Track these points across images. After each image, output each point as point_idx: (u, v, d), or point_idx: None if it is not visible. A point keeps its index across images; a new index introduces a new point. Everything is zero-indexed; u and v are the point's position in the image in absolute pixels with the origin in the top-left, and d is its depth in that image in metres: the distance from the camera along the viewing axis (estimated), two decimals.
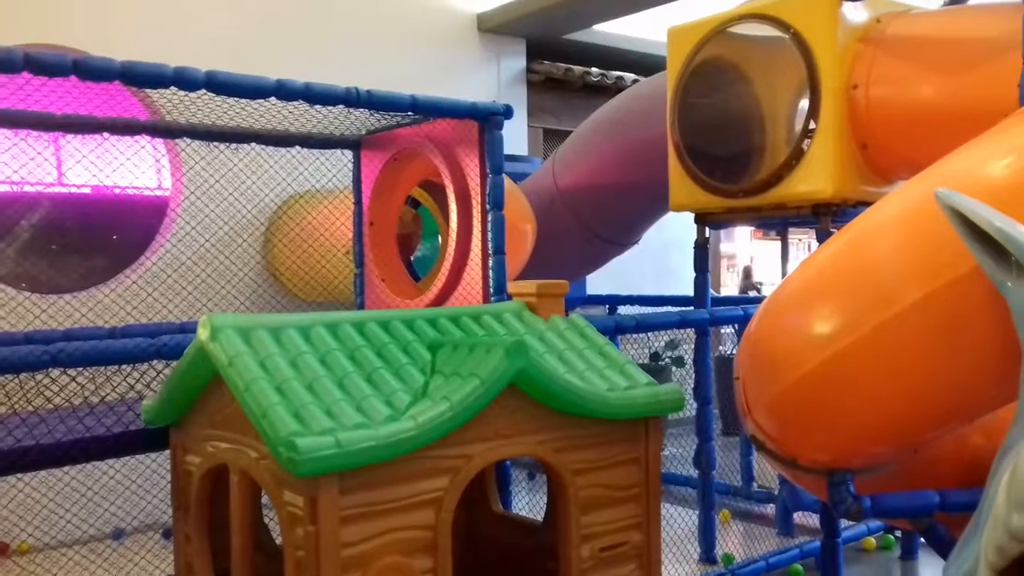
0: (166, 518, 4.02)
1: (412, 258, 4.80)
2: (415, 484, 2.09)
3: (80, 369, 2.79)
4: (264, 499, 2.35)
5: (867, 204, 3.36)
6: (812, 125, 3.53)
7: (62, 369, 2.70)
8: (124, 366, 2.80)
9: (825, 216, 3.63)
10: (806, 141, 3.56)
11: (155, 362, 2.75)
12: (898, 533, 4.53)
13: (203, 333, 2.21)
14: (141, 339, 2.66)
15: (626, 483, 2.48)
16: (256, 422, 2.00)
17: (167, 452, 2.63)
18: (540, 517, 2.78)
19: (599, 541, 2.42)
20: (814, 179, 3.56)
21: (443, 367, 2.30)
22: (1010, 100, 2.63)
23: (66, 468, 3.23)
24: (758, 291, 10.43)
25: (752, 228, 11.03)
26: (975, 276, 2.04)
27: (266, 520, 2.62)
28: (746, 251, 13.10)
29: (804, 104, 3.58)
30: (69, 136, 3.88)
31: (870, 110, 3.45)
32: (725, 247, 11.64)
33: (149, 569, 3.87)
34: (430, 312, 2.63)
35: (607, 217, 5.37)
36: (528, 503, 5.10)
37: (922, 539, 3.64)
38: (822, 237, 3.60)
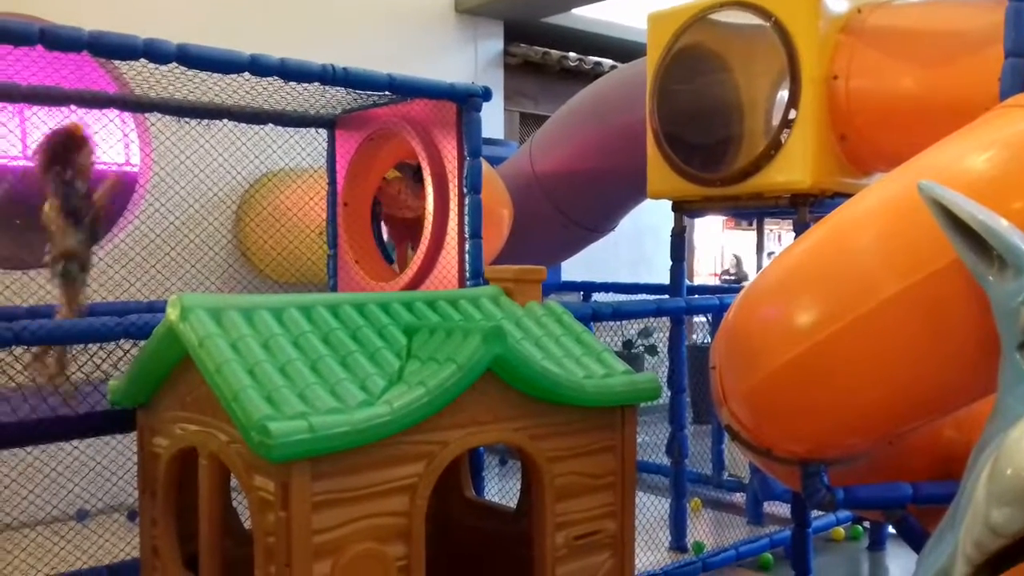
0: (132, 499, 3.94)
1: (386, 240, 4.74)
2: (389, 470, 2.05)
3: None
4: (233, 483, 2.30)
5: (845, 195, 3.37)
6: (792, 115, 3.52)
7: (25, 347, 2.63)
8: (90, 345, 2.73)
9: (803, 207, 3.63)
10: (785, 131, 3.55)
11: (122, 341, 2.68)
12: (867, 524, 4.56)
13: (173, 313, 2.15)
14: (108, 317, 2.60)
15: (601, 471, 2.47)
16: (227, 405, 1.96)
17: (134, 432, 2.57)
18: (512, 503, 2.76)
19: (574, 529, 2.40)
20: (793, 169, 3.55)
21: (419, 352, 2.27)
22: (990, 94, 2.63)
23: (29, 448, 3.17)
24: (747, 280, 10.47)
25: (724, 218, 11.07)
26: (955, 269, 2.04)
27: (235, 504, 2.57)
28: (716, 241, 13.14)
29: (784, 94, 3.57)
30: (35, 108, 3.77)
31: (850, 101, 3.44)
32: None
33: (114, 552, 3.80)
34: (406, 295, 2.60)
35: (584, 203, 5.35)
36: (500, 489, 5.09)
37: (891, 530, 3.68)
38: (800, 228, 3.60)
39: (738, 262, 11.41)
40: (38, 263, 3.52)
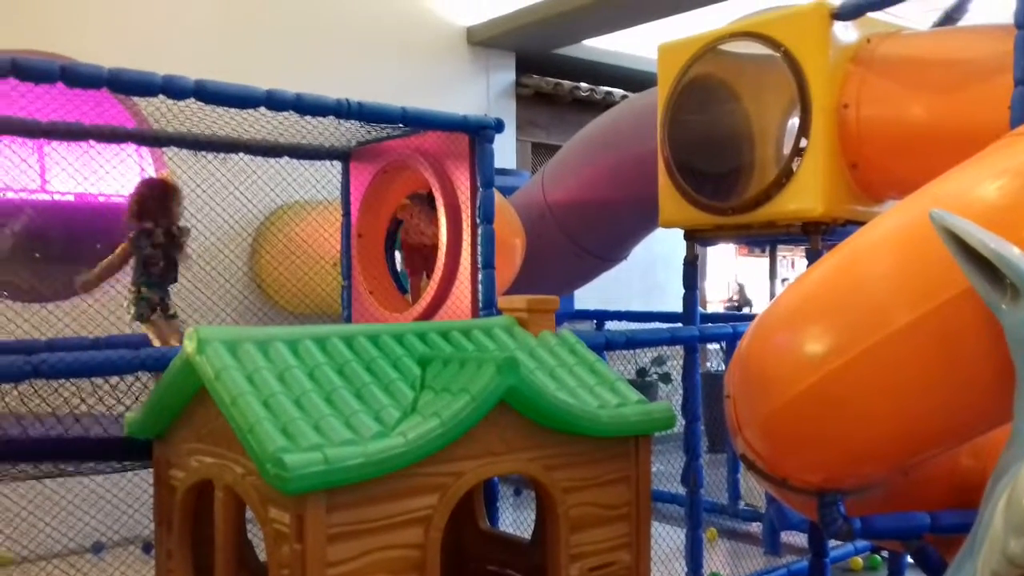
0: (147, 532, 3.95)
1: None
2: (404, 502, 2.06)
3: (63, 381, 2.74)
4: (249, 515, 2.31)
5: (857, 223, 3.38)
6: (803, 143, 3.53)
7: (45, 380, 2.65)
8: (109, 378, 2.76)
9: (815, 235, 3.63)
10: (796, 159, 3.56)
11: (140, 374, 2.71)
12: (885, 554, 4.51)
13: (189, 345, 2.17)
14: (125, 350, 2.62)
15: (616, 502, 2.46)
16: (242, 437, 1.97)
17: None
18: (527, 534, 2.75)
19: (588, 561, 2.39)
20: (804, 197, 3.56)
21: (433, 383, 2.28)
22: (1000, 122, 2.64)
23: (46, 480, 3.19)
24: (750, 307, 10.47)
25: (737, 245, 11.08)
26: (969, 297, 2.04)
27: (251, 537, 2.57)
28: (730, 267, 13.14)
29: (794, 122, 3.59)
30: (54, 143, 3.84)
31: (860, 129, 3.45)
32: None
33: None
34: (420, 326, 2.61)
35: (596, 232, 5.36)
36: (514, 519, 5.07)
37: (909, 559, 3.63)
38: (812, 256, 3.60)
39: (741, 289, 11.42)
40: (56, 296, 3.57)
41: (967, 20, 3.87)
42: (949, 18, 3.87)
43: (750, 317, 3.59)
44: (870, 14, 3.47)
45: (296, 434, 1.95)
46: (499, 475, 2.45)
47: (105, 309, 4.48)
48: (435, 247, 3.85)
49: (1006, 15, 2.77)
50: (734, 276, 11.86)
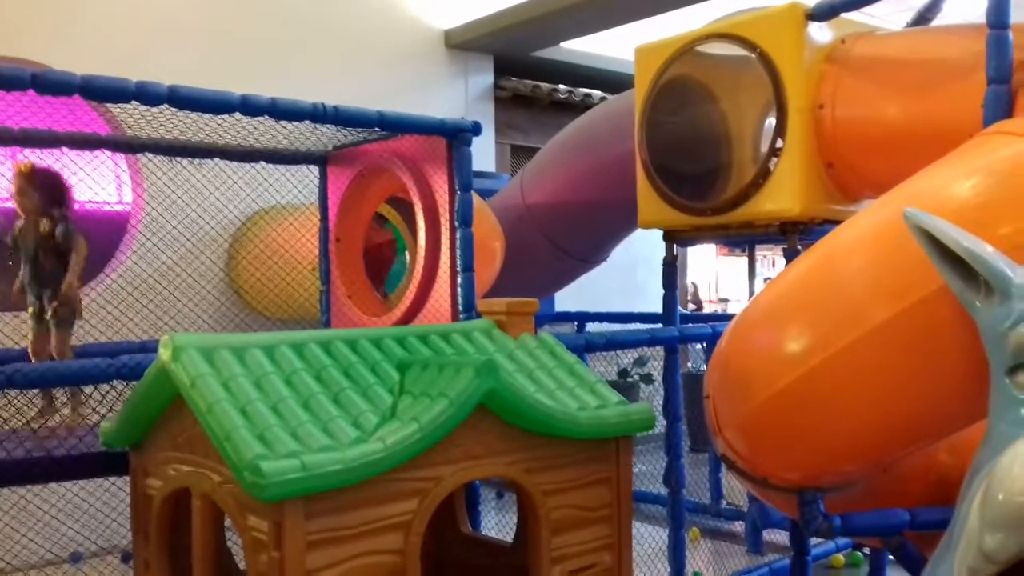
0: (126, 541, 3.91)
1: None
2: (383, 507, 2.05)
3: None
4: (228, 523, 2.29)
5: (834, 222, 3.39)
6: (779, 144, 3.55)
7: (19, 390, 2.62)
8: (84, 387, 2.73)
9: (792, 234, 3.65)
10: (773, 160, 3.57)
11: (115, 382, 2.68)
12: (866, 550, 4.54)
13: (164, 353, 2.15)
14: (100, 359, 2.59)
15: (597, 504, 2.46)
16: (219, 445, 1.95)
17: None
18: (510, 536, 2.75)
19: (570, 563, 2.39)
20: (781, 198, 3.57)
21: (412, 387, 2.27)
22: (974, 121, 2.66)
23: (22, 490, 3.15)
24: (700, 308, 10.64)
25: (716, 245, 11.15)
26: (944, 295, 2.05)
27: (229, 544, 2.55)
28: (710, 267, 13.21)
29: (771, 123, 3.60)
30: (26, 150, 3.79)
31: (836, 130, 3.47)
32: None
33: None
34: (398, 331, 2.60)
35: (576, 234, 5.37)
36: (497, 522, 5.06)
37: (890, 556, 3.65)
38: (790, 255, 3.62)
39: (695, 288, 11.57)
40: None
41: (940, 20, 3.90)
42: (923, 18, 3.90)
43: (729, 317, 3.60)
44: (844, 15, 3.49)
45: (273, 441, 1.93)
46: (479, 479, 2.44)
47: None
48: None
49: (979, 14, 2.79)
50: (688, 278, 12.01)
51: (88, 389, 2.83)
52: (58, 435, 2.88)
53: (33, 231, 3.18)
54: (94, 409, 2.89)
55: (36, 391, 3.08)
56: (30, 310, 3.21)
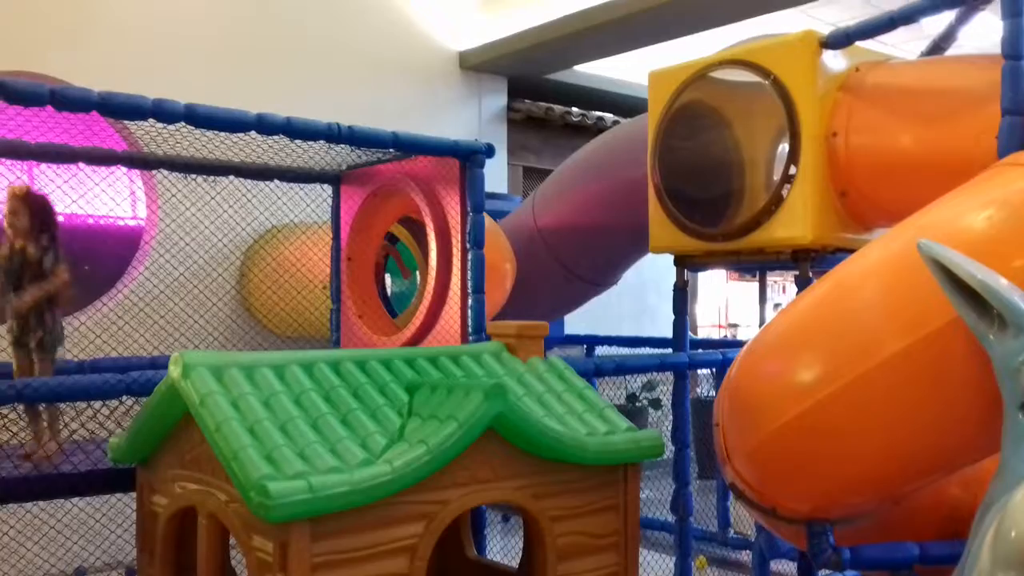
0: (130, 557, 3.90)
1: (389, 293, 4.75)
2: (389, 530, 2.04)
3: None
4: (233, 542, 2.28)
5: (846, 251, 3.38)
6: (792, 171, 3.54)
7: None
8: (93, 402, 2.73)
9: (804, 262, 3.63)
10: (786, 187, 3.56)
11: (124, 398, 2.68)
12: None
13: (175, 370, 2.16)
14: (110, 374, 2.60)
15: (604, 531, 2.44)
16: (226, 464, 1.95)
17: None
18: (515, 561, 2.72)
19: None
20: (794, 225, 3.56)
21: (420, 409, 2.26)
22: (988, 152, 2.65)
23: (29, 504, 3.14)
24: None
25: (727, 271, 11.14)
26: (957, 327, 2.03)
27: (234, 564, 2.54)
28: (721, 292, 13.17)
29: (784, 150, 3.60)
30: (43, 164, 3.82)
31: (849, 158, 3.47)
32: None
33: None
34: (408, 352, 2.60)
35: (587, 257, 5.36)
36: (503, 547, 5.03)
37: None
38: (802, 283, 3.60)
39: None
40: None
41: (955, 49, 3.90)
42: (937, 47, 3.90)
43: (740, 343, 3.59)
44: (859, 43, 3.50)
45: (281, 461, 1.93)
46: (486, 503, 2.43)
47: (98, 327, 4.45)
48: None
49: (994, 44, 2.79)
50: (734, 301, 11.96)
51: (97, 404, 2.82)
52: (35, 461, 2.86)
53: (19, 255, 3.12)
54: (102, 424, 2.88)
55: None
56: (10, 336, 3.13)
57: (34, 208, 3.17)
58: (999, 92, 2.68)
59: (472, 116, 7.36)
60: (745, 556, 5.02)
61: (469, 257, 3.61)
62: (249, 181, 4.27)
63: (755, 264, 4.05)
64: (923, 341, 2.12)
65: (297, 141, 3.39)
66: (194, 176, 4.07)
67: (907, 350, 2.14)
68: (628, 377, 6.34)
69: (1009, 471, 1.86)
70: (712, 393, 5.74)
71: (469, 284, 3.61)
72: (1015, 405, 1.88)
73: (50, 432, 3.03)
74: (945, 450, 2.26)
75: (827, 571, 4.00)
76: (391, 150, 3.66)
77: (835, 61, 3.55)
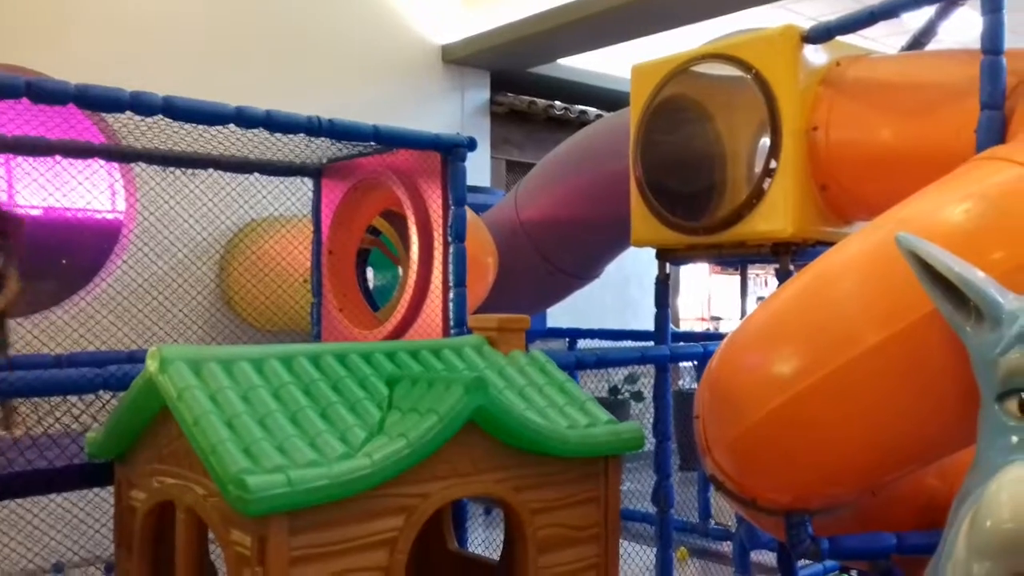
0: (109, 553, 3.88)
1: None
2: (369, 524, 2.03)
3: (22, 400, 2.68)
4: (211, 536, 2.27)
5: (827, 244, 3.39)
6: (773, 165, 3.55)
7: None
8: (69, 396, 2.71)
9: (785, 255, 3.64)
10: (767, 181, 3.58)
11: (101, 392, 2.66)
12: (854, 573, 4.52)
13: (152, 364, 2.14)
14: (87, 369, 2.57)
15: (585, 523, 2.44)
16: (204, 458, 1.94)
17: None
18: (497, 554, 2.73)
19: None
20: (774, 218, 3.57)
21: (401, 403, 2.26)
22: (967, 145, 2.67)
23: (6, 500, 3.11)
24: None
25: (709, 263, 11.17)
26: (935, 319, 2.05)
27: (213, 558, 2.53)
28: (702, 285, 13.20)
29: (765, 143, 3.61)
30: (20, 157, 3.79)
31: (830, 152, 3.48)
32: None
33: None
34: (389, 345, 2.59)
35: (569, 250, 5.36)
36: (484, 539, 5.03)
37: None
38: (782, 276, 3.62)
39: None
40: (18, 312, 3.47)
41: (935, 44, 3.92)
42: (918, 42, 3.92)
43: (720, 336, 3.60)
44: (839, 37, 3.51)
45: (259, 455, 1.92)
46: (467, 496, 2.42)
47: (75, 320, 4.41)
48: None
49: (973, 39, 2.80)
50: (716, 294, 11.98)
51: (73, 398, 2.80)
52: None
53: None
54: (76, 419, 2.85)
55: None
56: None
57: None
58: (978, 87, 2.70)
59: (455, 110, 7.34)
60: (726, 547, 5.05)
61: (451, 251, 3.61)
62: (229, 174, 4.24)
63: (736, 257, 4.06)
64: (901, 333, 2.14)
65: (277, 134, 3.37)
66: (172, 169, 4.03)
67: (885, 342, 2.15)
68: (610, 370, 6.35)
69: (985, 462, 1.87)
70: (694, 386, 5.76)
71: (451, 277, 3.61)
72: (991, 397, 1.90)
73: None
74: (923, 440, 2.28)
75: (806, 561, 4.05)
76: (372, 143, 3.64)
77: (816, 55, 3.56)
